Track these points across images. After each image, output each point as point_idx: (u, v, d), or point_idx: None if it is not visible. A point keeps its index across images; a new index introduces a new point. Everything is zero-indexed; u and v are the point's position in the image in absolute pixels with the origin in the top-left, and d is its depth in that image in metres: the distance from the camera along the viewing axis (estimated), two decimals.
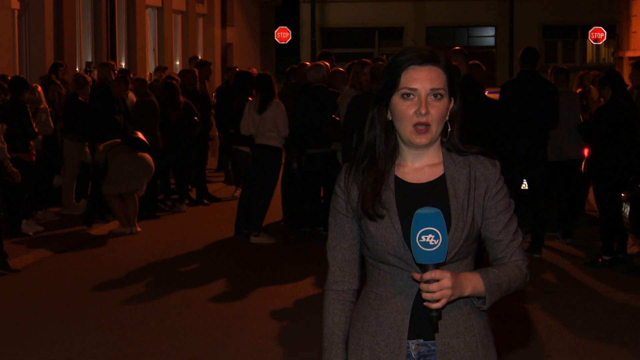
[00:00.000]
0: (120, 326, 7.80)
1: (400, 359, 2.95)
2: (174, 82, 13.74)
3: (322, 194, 11.73)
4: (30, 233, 11.40)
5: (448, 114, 2.98)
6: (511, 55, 30.64)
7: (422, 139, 2.94)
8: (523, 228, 9.19)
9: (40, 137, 11.95)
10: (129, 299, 8.69)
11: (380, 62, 11.01)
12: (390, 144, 3.00)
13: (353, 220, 3.02)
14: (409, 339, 2.96)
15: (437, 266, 2.82)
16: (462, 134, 3.03)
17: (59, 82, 13.12)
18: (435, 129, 2.94)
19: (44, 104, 12.03)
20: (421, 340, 2.97)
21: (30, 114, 11.28)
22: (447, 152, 3.02)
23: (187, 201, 13.91)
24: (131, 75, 14.21)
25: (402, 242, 2.91)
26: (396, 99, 2.96)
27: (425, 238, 2.79)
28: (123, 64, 18.86)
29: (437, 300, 2.81)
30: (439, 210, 2.81)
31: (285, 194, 12.34)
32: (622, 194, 9.67)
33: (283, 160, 11.63)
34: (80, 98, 12.75)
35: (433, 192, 2.97)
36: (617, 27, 28.83)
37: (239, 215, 11.66)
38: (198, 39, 23.81)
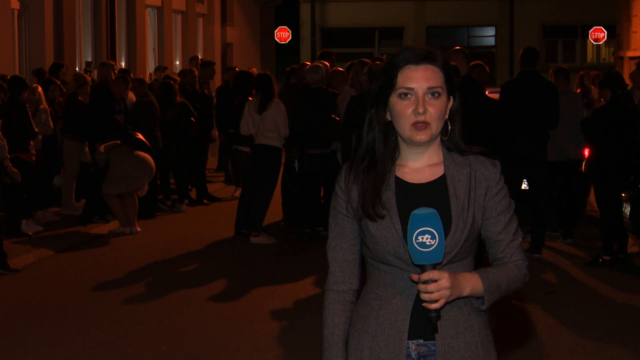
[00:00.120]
0: (120, 326, 7.79)
1: (400, 359, 2.95)
2: (171, 82, 13.74)
3: (322, 194, 11.73)
4: (30, 233, 11.40)
5: (448, 112, 2.98)
6: (511, 55, 30.62)
7: (422, 136, 2.94)
8: (523, 228, 9.21)
9: (40, 137, 11.94)
10: (129, 299, 8.69)
11: (378, 62, 10.99)
12: (390, 145, 3.00)
13: (353, 221, 3.02)
14: (409, 339, 2.95)
15: (435, 266, 2.82)
16: (463, 133, 3.02)
17: (58, 82, 13.12)
18: (434, 127, 2.94)
19: (44, 104, 12.02)
20: (421, 341, 2.97)
21: (29, 113, 11.28)
22: (447, 152, 3.02)
23: (186, 201, 13.90)
24: (131, 75, 14.21)
25: (403, 243, 2.90)
26: (394, 99, 2.96)
27: (422, 238, 2.79)
28: (123, 64, 18.86)
29: (436, 301, 2.81)
30: (435, 211, 2.80)
31: (285, 194, 12.33)
32: (623, 194, 9.67)
33: (283, 160, 11.62)
34: (80, 98, 12.74)
35: (433, 192, 2.97)
36: (618, 27, 28.82)
37: (239, 215, 11.66)
38: (198, 38, 23.81)
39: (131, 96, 13.55)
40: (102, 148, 11.84)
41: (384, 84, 2.98)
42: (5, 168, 10.37)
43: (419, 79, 2.93)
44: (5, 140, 10.31)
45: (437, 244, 2.78)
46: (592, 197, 12.03)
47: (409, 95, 2.93)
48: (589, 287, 9.08)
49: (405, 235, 2.89)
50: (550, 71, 11.72)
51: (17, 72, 14.45)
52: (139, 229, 11.95)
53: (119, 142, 11.95)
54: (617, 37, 29.14)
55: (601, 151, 9.85)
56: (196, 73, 14.98)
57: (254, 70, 14.33)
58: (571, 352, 7.04)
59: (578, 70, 15.59)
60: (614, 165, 9.74)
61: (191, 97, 14.20)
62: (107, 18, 17.99)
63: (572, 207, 11.17)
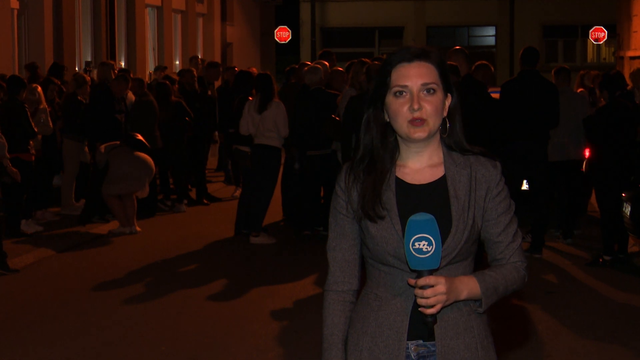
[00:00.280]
0: (120, 326, 7.79)
1: None
2: (167, 82, 13.74)
3: (322, 194, 11.72)
4: (30, 233, 11.39)
5: (446, 109, 2.97)
6: (511, 55, 30.64)
7: (420, 133, 2.92)
8: (523, 228, 9.20)
9: (39, 137, 11.94)
10: (129, 299, 8.69)
11: (376, 62, 10.97)
12: (389, 145, 2.99)
13: (353, 221, 3.01)
14: (408, 339, 2.95)
15: (432, 272, 2.82)
16: (464, 131, 3.01)
17: (58, 82, 13.11)
18: (432, 123, 2.93)
19: (44, 104, 12.02)
20: (420, 341, 2.96)
21: (28, 113, 11.27)
22: (447, 152, 3.01)
23: (186, 201, 13.89)
24: (131, 75, 14.21)
25: (403, 243, 2.89)
26: (390, 98, 2.95)
27: (419, 245, 2.78)
28: (123, 64, 18.87)
29: (432, 306, 2.81)
30: (432, 217, 2.80)
31: (285, 194, 12.33)
32: (623, 194, 9.67)
33: (283, 160, 11.62)
34: (79, 98, 12.74)
35: (434, 193, 2.96)
36: (618, 26, 28.80)
37: (239, 215, 11.65)
38: (198, 38, 23.82)
39: (130, 96, 13.55)
40: (102, 148, 11.84)
41: (379, 84, 2.98)
42: (5, 168, 10.37)
43: (412, 76, 2.92)
44: (4, 139, 10.31)
45: (434, 251, 2.78)
46: (593, 198, 12.02)
47: (404, 93, 2.93)
48: (589, 287, 9.08)
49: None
50: (553, 71, 11.71)
51: (16, 72, 14.45)
52: (138, 228, 11.94)
53: (118, 142, 11.94)
54: (617, 36, 29.12)
55: (601, 151, 9.84)
56: (195, 73, 14.96)
57: (254, 70, 14.32)
58: (571, 352, 7.04)
59: (578, 70, 15.58)
60: (614, 165, 9.73)
61: (190, 97, 14.19)
62: (106, 18, 17.99)
63: (573, 207, 11.16)
